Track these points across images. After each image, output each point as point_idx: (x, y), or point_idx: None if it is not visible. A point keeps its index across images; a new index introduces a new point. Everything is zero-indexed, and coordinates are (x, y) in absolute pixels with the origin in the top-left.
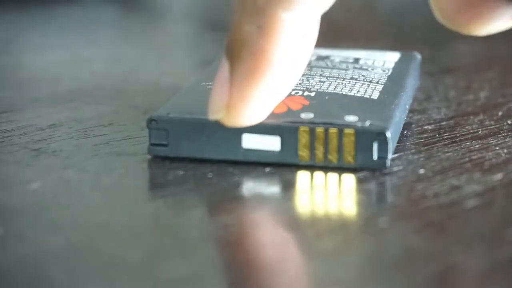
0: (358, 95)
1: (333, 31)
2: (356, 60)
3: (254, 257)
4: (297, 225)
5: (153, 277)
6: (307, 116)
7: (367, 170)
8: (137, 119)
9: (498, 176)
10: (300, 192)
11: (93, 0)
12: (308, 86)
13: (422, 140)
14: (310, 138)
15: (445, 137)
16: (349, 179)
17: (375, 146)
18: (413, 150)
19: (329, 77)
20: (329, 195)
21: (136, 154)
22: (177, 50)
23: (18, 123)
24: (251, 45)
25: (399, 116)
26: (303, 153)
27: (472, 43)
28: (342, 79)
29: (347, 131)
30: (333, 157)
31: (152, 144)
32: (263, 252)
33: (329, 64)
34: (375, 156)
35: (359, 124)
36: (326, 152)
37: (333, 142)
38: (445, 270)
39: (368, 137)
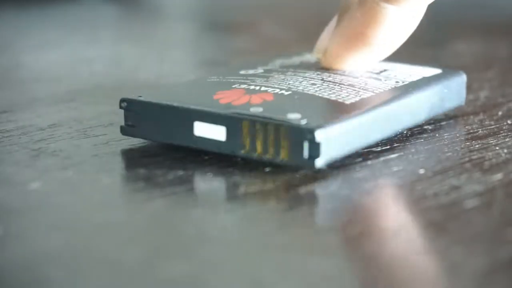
0: (332, 98)
1: None
2: (381, 71)
3: (254, 256)
4: (297, 225)
5: (152, 277)
6: (255, 110)
7: (300, 168)
8: None
9: (498, 176)
10: (300, 192)
11: (93, 0)
12: (291, 86)
13: (422, 140)
14: (250, 131)
15: (445, 137)
16: (349, 179)
17: (305, 145)
18: (413, 150)
19: (326, 81)
20: (328, 195)
21: (136, 154)
22: (177, 50)
23: (18, 123)
24: (353, 16)
25: (363, 121)
26: (246, 145)
27: (472, 43)
28: (335, 84)
29: (282, 127)
30: (270, 152)
31: (125, 125)
32: (263, 252)
33: (346, 72)
34: (306, 155)
35: (294, 122)
36: (265, 146)
37: (271, 137)
38: (445, 270)
39: (299, 135)
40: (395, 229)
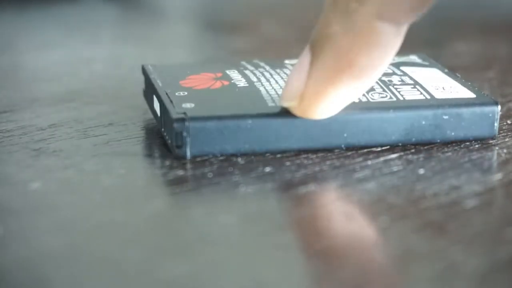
0: (270, 92)
1: None
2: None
3: (254, 257)
4: (296, 225)
5: (152, 277)
6: (179, 94)
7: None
8: (137, 119)
9: (498, 176)
10: (299, 192)
11: (93, 0)
12: (257, 79)
13: None
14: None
15: None
16: (349, 178)
17: (177, 134)
18: (413, 150)
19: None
20: (328, 195)
21: (136, 154)
22: (177, 50)
23: (18, 123)
24: (336, 44)
25: (253, 123)
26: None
27: (472, 43)
28: None
29: (168, 113)
30: (170, 139)
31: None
32: (263, 252)
33: None
34: (174, 143)
35: (172, 110)
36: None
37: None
38: (445, 270)
39: (176, 125)
40: (395, 229)
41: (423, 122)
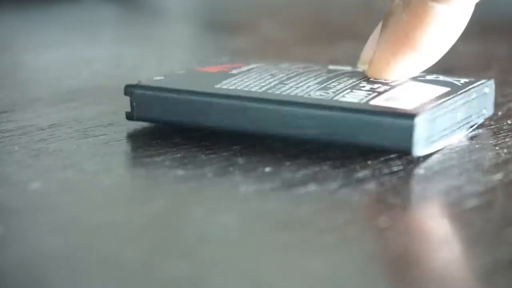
0: (252, 87)
1: (333, 31)
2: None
3: (254, 256)
4: (296, 224)
5: (152, 277)
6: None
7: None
8: None
9: (498, 176)
10: (300, 192)
11: (93, 0)
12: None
13: None
14: None
15: None
16: (348, 178)
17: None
18: None
19: (304, 74)
20: (329, 193)
21: (136, 154)
22: (177, 50)
23: (18, 123)
24: (397, 18)
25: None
26: None
27: (472, 43)
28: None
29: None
30: None
31: None
32: (263, 252)
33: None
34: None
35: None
36: None
37: None
38: (445, 270)
39: (125, 90)
40: (394, 229)
41: (339, 124)
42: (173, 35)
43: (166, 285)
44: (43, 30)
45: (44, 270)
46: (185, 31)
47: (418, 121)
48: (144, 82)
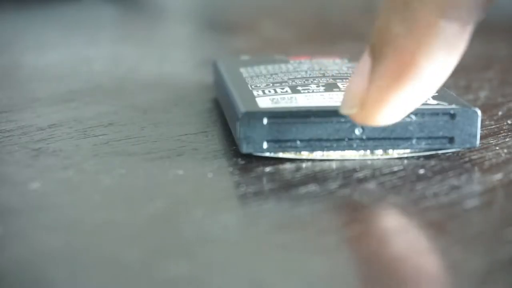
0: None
1: (333, 31)
2: None
3: (254, 256)
4: (296, 225)
5: (152, 277)
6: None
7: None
8: (137, 119)
9: (498, 176)
10: (300, 192)
11: (93, 0)
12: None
13: None
14: None
15: None
16: (348, 178)
17: None
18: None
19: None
20: (329, 193)
21: (136, 154)
22: (177, 50)
23: (18, 123)
24: (398, 47)
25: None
26: None
27: (472, 43)
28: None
29: None
30: None
31: None
32: (263, 252)
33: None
34: None
35: None
36: None
37: None
38: (445, 270)
39: None
40: (395, 229)
41: None
42: (173, 35)
43: (166, 285)
44: (43, 30)
45: (44, 270)
46: (185, 31)
47: None
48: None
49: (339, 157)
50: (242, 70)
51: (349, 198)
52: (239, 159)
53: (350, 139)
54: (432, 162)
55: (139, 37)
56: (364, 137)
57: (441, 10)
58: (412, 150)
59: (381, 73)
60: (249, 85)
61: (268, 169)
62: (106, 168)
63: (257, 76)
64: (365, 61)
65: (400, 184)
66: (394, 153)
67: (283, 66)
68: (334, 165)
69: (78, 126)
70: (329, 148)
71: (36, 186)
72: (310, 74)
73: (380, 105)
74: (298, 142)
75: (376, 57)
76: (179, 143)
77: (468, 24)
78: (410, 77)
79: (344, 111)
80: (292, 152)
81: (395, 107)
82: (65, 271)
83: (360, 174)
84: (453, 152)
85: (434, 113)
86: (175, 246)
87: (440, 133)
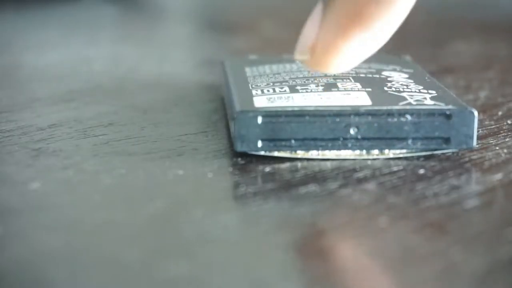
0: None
1: None
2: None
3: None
4: (296, 225)
5: (152, 277)
6: None
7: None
8: (137, 119)
9: (498, 176)
10: (300, 192)
11: (93, 0)
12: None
13: None
14: None
15: None
16: (348, 178)
17: None
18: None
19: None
20: (328, 195)
21: (136, 154)
22: (177, 50)
23: (18, 123)
24: None
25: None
26: None
27: (472, 43)
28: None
29: None
30: None
31: None
32: (263, 252)
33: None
34: None
35: None
36: None
37: None
38: (445, 270)
39: None
40: (395, 229)
41: None
42: (173, 35)
43: (166, 285)
44: (43, 30)
45: (44, 270)
46: (185, 31)
47: None
48: None
49: (334, 157)
50: (247, 69)
51: (349, 198)
52: (239, 159)
53: (345, 138)
54: (432, 162)
55: (139, 37)
56: (359, 136)
57: None
58: (408, 151)
59: (330, 18)
60: (250, 84)
61: (268, 169)
62: (106, 168)
63: (260, 76)
64: (318, 7)
65: (400, 184)
66: (390, 153)
67: (287, 65)
68: (333, 165)
69: (78, 126)
70: (324, 148)
71: (36, 186)
72: (312, 74)
73: (329, 53)
74: (293, 141)
75: (327, 3)
76: (179, 143)
77: None
78: (357, 24)
79: (296, 56)
80: (287, 151)
81: (344, 56)
82: (65, 271)
83: (360, 174)
84: (453, 152)
85: (430, 113)
86: (175, 246)
87: (436, 134)
